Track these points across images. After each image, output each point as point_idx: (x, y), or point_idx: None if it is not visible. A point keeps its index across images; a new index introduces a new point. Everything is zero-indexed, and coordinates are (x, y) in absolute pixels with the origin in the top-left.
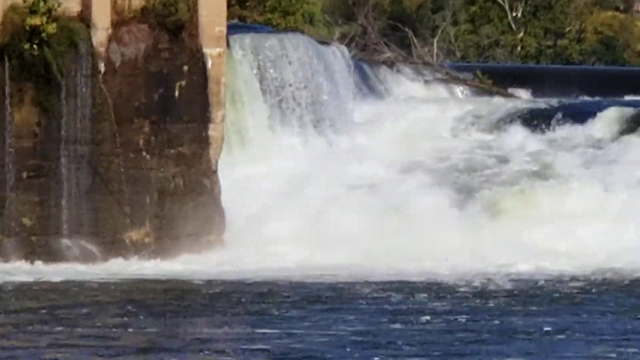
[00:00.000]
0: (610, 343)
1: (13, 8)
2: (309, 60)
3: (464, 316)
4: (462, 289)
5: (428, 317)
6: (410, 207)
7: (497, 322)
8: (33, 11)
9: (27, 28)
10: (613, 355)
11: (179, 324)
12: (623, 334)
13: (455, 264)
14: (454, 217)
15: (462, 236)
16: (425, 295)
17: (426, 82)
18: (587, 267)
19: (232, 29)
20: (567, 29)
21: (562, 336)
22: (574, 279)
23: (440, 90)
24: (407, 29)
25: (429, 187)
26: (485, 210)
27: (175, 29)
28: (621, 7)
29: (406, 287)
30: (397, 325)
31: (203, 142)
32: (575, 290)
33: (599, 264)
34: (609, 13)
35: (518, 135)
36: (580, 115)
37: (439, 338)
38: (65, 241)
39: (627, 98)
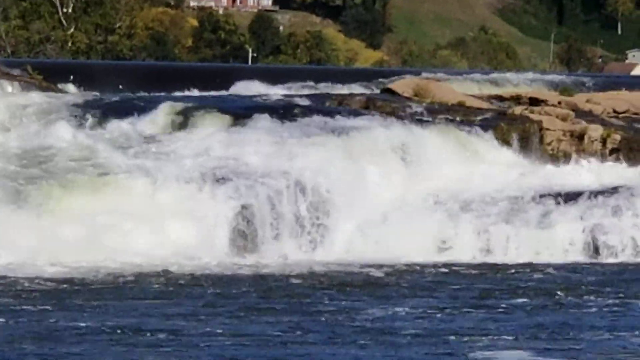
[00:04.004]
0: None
1: None
2: None
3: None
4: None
5: None
6: None
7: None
8: None
9: None
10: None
11: None
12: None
13: (10, 262)
14: (8, 212)
15: (15, 232)
16: None
17: None
18: (136, 265)
19: None
20: (118, 25)
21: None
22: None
23: None
24: None
25: None
26: (35, 206)
27: None
28: (172, 3)
29: None
30: None
31: None
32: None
33: (145, 262)
34: (160, 9)
35: (65, 131)
36: (131, 110)
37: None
38: None
39: (178, 94)
